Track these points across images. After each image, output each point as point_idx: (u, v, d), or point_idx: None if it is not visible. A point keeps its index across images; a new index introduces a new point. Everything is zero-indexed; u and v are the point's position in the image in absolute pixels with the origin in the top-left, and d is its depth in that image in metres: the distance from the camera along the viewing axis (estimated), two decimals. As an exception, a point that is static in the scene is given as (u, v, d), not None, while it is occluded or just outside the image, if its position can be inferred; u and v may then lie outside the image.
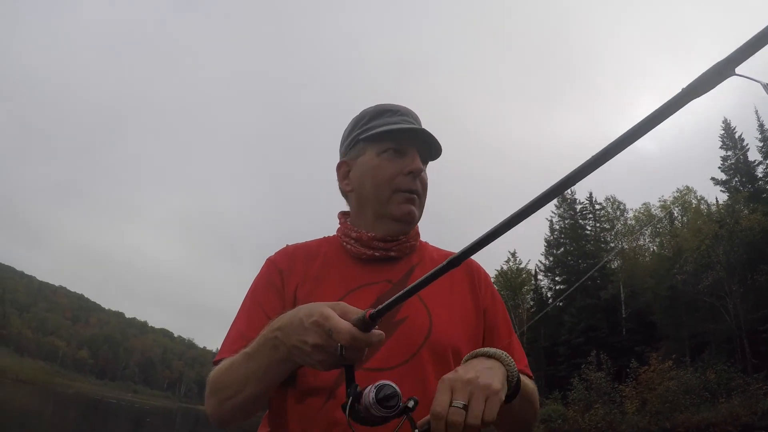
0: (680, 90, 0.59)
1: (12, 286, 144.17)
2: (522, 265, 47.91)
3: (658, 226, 40.99)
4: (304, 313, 1.00)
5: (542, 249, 45.52)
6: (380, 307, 0.90)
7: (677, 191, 41.23)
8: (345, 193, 1.52)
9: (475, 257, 0.90)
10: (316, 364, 0.99)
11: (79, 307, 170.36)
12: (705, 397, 24.96)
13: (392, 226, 1.44)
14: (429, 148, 1.46)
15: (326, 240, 1.54)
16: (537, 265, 46.43)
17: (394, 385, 0.91)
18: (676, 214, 40.20)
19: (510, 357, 1.12)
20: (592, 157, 0.67)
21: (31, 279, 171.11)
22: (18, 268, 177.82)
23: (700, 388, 25.35)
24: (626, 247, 42.30)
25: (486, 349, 1.13)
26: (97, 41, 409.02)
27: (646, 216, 42.53)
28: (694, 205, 38.94)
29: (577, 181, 0.70)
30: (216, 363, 1.28)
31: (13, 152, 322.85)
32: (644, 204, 43.41)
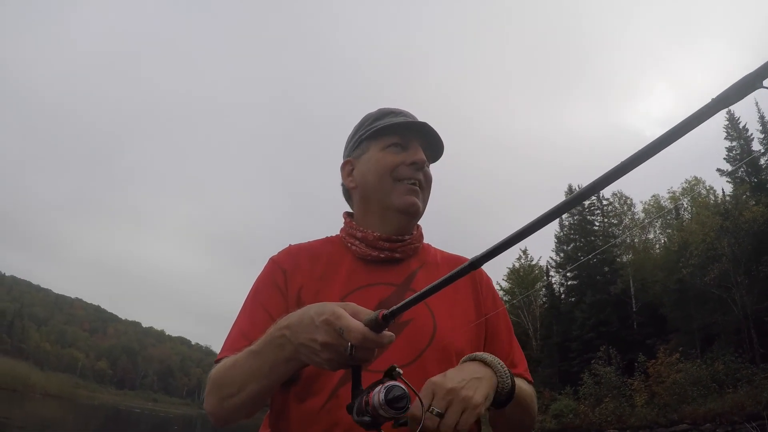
0: (710, 100, 0.61)
1: (29, 300, 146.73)
2: (533, 262, 48.96)
3: (668, 217, 41.71)
4: (315, 311, 1.01)
5: (553, 245, 46.27)
6: (393, 308, 0.92)
7: (686, 182, 41.89)
8: (349, 191, 1.55)
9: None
10: (323, 363, 1.00)
11: (97, 318, 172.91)
12: (713, 388, 25.78)
13: (397, 219, 1.46)
14: (432, 147, 1.51)
15: (329, 240, 1.56)
16: (548, 261, 47.24)
17: (403, 386, 0.92)
18: (685, 205, 40.85)
19: (505, 367, 1.16)
20: (617, 165, 0.68)
21: (47, 292, 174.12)
22: (34, 281, 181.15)
23: (708, 379, 26.18)
24: (635, 240, 43.10)
25: (484, 355, 1.18)
26: (106, 50, 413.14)
27: (655, 208, 43.23)
28: (703, 196, 39.63)
29: (600, 190, 0.73)
30: (217, 362, 1.30)
31: (25, 165, 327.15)
32: (653, 196, 44.02)
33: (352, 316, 0.96)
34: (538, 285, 46.62)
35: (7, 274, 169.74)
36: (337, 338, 0.95)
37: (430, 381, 1.09)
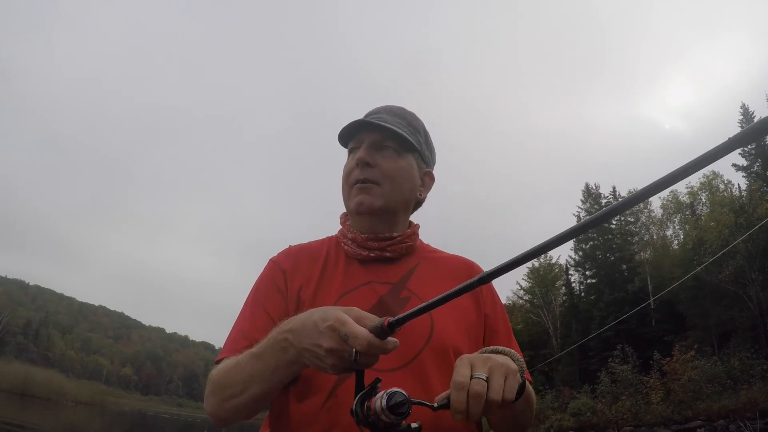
0: (726, 139, 0.61)
1: (53, 309, 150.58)
2: (553, 261, 49.74)
3: (686, 212, 42.20)
4: (318, 316, 1.02)
5: (571, 244, 46.97)
6: (400, 316, 0.92)
7: (704, 177, 42.28)
8: None
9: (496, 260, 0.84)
10: (327, 368, 1.01)
11: (121, 325, 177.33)
12: (727, 384, 26.51)
13: (360, 221, 1.50)
14: (393, 137, 1.48)
15: (328, 240, 1.59)
16: (567, 260, 47.89)
17: (404, 392, 0.92)
18: (704, 200, 41.30)
19: (519, 356, 1.13)
20: (641, 190, 0.68)
21: (71, 300, 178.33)
22: (58, 290, 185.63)
23: (724, 376, 26.91)
24: (654, 237, 43.74)
25: (495, 347, 1.16)
26: (120, 54, 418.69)
27: (674, 204, 43.77)
28: (721, 191, 40.10)
29: (613, 217, 0.79)
30: (218, 362, 1.32)
31: (45, 174, 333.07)
32: (672, 192, 44.41)
33: (355, 321, 0.97)
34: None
35: (31, 284, 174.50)
36: (342, 344, 0.96)
37: (461, 357, 1.06)
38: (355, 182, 1.47)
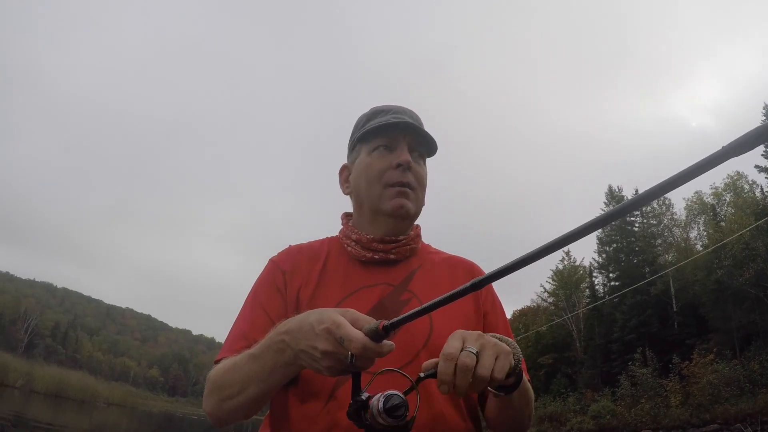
0: (721, 147, 0.61)
1: (81, 311, 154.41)
2: (577, 263, 50.22)
3: (710, 214, 42.42)
4: (315, 318, 1.03)
5: (595, 246, 47.42)
6: (394, 320, 0.93)
7: (728, 177, 42.47)
8: (348, 195, 1.60)
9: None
10: (323, 369, 1.02)
11: (147, 328, 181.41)
12: (746, 388, 27.09)
13: (388, 223, 1.48)
14: (425, 144, 1.52)
15: (329, 240, 1.60)
16: (591, 262, 48.38)
17: (401, 395, 0.94)
18: (728, 200, 41.46)
19: (517, 346, 1.13)
20: (638, 195, 0.69)
21: (99, 303, 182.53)
22: (85, 293, 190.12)
23: (743, 379, 27.50)
24: (678, 239, 44.07)
25: (494, 334, 1.13)
26: (145, 57, 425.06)
27: (698, 205, 44.00)
28: (746, 191, 40.30)
29: (610, 222, 0.75)
30: (217, 362, 1.35)
31: (70, 177, 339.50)
32: (696, 192, 44.61)
33: (352, 324, 0.98)
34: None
35: (59, 286, 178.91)
36: (338, 347, 0.97)
37: (456, 330, 1.07)
38: (395, 184, 1.46)
